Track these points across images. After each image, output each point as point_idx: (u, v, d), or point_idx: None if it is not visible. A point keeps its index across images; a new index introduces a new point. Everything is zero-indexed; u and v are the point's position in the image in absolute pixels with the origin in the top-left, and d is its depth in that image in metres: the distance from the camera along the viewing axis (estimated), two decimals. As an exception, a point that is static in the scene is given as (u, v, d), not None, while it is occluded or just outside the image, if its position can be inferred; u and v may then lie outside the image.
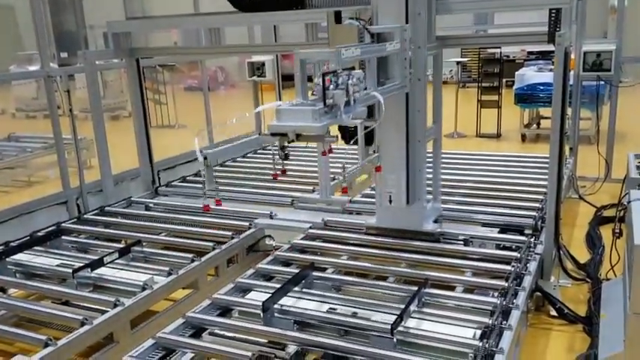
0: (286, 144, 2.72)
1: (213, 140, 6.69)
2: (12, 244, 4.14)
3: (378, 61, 3.45)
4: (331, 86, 2.62)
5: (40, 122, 12.03)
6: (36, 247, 4.15)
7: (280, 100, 7.32)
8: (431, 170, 4.15)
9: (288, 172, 5.86)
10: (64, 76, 5.13)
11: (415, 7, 3.55)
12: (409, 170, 3.80)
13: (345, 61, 2.78)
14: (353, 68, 2.99)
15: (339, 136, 3.64)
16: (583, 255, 4.34)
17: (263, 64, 6.97)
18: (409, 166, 3.79)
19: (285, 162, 6.29)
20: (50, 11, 5.42)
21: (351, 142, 3.64)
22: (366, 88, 2.97)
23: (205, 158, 3.64)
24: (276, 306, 3.04)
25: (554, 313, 3.55)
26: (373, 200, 4.84)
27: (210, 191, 3.35)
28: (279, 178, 5.65)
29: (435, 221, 4.12)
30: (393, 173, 3.83)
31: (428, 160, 3.98)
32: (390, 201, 3.87)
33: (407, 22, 3.54)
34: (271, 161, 6.39)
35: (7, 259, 3.90)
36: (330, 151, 3.11)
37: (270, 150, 7.02)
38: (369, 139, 3.71)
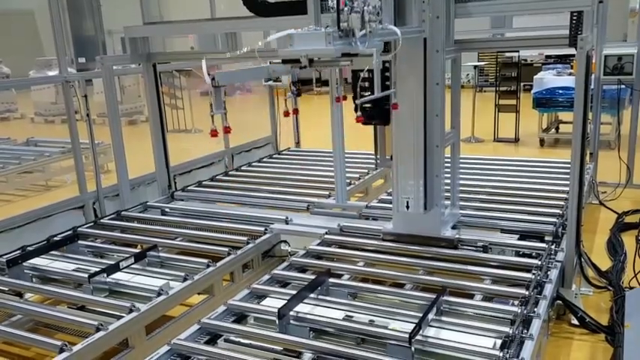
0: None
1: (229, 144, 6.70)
2: (29, 248, 4.16)
3: (396, 4, 3.35)
4: (345, 9, 2.54)
5: (58, 127, 12.17)
6: (52, 252, 4.16)
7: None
8: (449, 176, 4.10)
9: (304, 178, 5.83)
10: (82, 81, 5.15)
11: (434, 11, 3.51)
12: (427, 176, 3.75)
13: None
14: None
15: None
16: (604, 262, 4.25)
17: (279, 69, 6.94)
18: (427, 171, 3.75)
19: (301, 166, 6.28)
20: (69, 16, 5.45)
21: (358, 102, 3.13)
22: (381, 22, 2.83)
23: (213, 79, 3.57)
24: (291, 313, 3.00)
25: (575, 322, 3.48)
26: (390, 206, 4.79)
27: (218, 113, 3.20)
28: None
29: (454, 227, 4.09)
30: (411, 179, 3.79)
31: (446, 165, 3.94)
32: (408, 207, 3.82)
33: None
34: (287, 166, 6.39)
35: (24, 264, 3.91)
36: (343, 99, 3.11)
37: (284, 155, 7.02)
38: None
